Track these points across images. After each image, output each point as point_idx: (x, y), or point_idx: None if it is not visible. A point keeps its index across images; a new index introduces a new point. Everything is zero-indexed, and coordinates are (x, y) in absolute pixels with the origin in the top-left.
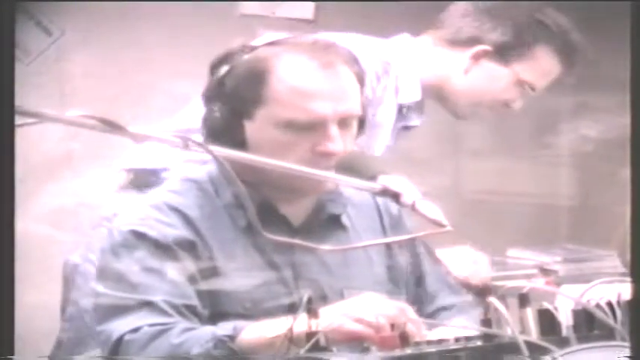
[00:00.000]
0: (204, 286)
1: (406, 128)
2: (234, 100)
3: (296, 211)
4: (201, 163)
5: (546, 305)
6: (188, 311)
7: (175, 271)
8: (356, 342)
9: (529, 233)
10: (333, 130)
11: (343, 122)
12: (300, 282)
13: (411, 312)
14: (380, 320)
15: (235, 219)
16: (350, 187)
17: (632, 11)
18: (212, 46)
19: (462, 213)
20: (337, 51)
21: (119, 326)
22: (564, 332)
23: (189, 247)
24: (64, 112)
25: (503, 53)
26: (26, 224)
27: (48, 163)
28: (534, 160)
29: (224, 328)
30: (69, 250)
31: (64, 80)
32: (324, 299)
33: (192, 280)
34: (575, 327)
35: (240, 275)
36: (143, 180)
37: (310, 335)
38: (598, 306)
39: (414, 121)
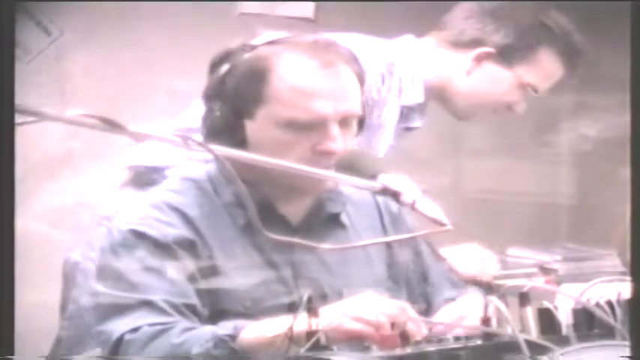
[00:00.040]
0: (204, 285)
1: (408, 129)
2: (234, 99)
3: (295, 210)
4: (205, 161)
5: (546, 304)
6: (188, 310)
7: (175, 270)
8: (356, 341)
9: (529, 232)
10: (334, 129)
11: (344, 121)
12: (300, 281)
13: (411, 311)
14: (380, 319)
15: (235, 218)
16: (350, 185)
17: (632, 11)
18: (212, 45)
19: (462, 212)
20: (338, 50)
21: (119, 326)
22: (564, 331)
23: (188, 246)
24: (64, 111)
25: (505, 55)
26: (26, 223)
27: (48, 162)
28: (534, 159)
29: (224, 328)
30: (69, 248)
31: (64, 79)
32: (324, 298)
33: (191, 279)
34: (575, 326)
35: (240, 274)
36: (146, 178)
37: (310, 334)
38: (598, 305)
39: (416, 122)
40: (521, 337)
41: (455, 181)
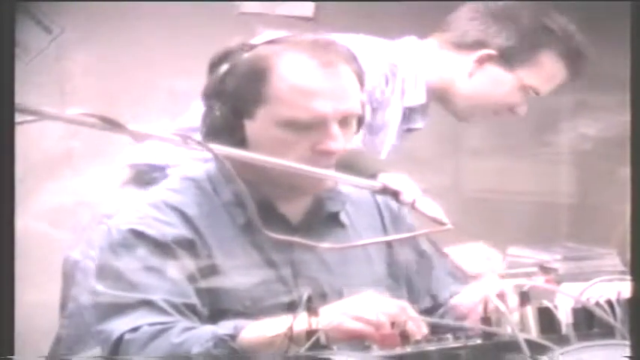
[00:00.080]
0: (204, 284)
1: (409, 130)
2: (234, 98)
3: (294, 210)
4: (205, 160)
5: (546, 303)
6: (188, 310)
7: (174, 269)
8: (356, 340)
9: (529, 231)
10: (334, 128)
11: (344, 121)
12: (300, 280)
13: (411, 310)
14: (380, 318)
15: (234, 217)
16: (350, 185)
17: (632, 11)
18: (212, 45)
19: (461, 211)
20: (337, 50)
21: (119, 325)
22: (564, 330)
23: (188, 245)
24: (64, 111)
25: (507, 58)
26: (26, 222)
27: (48, 161)
28: (534, 159)
29: (224, 327)
30: (69, 247)
31: (64, 79)
32: (324, 297)
33: (191, 278)
34: (575, 325)
35: (240, 273)
36: (147, 176)
37: (310, 334)
38: (598, 304)
39: (418, 123)
40: (521, 337)
41: (455, 181)
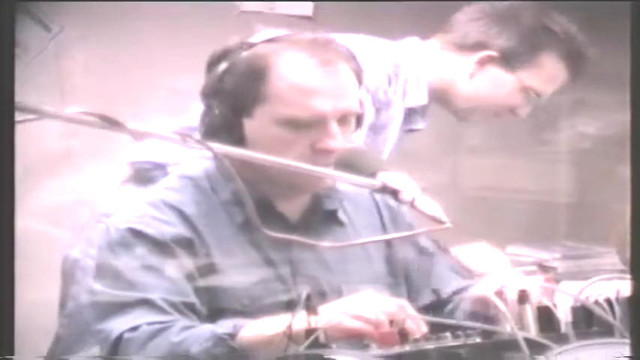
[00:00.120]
0: (202, 283)
1: (410, 131)
2: (233, 97)
3: (293, 208)
4: (209, 158)
5: (545, 302)
6: (186, 309)
7: (173, 268)
8: (355, 339)
9: (528, 230)
10: (334, 127)
11: (343, 119)
12: (298, 278)
13: (410, 309)
14: (379, 317)
15: (232, 216)
16: (349, 183)
17: (632, 11)
18: (212, 44)
19: (461, 209)
20: (336, 48)
21: (118, 325)
22: (563, 329)
23: (186, 244)
24: (64, 109)
25: (508, 59)
26: (26, 221)
27: (47, 160)
28: (533, 157)
29: (224, 326)
30: (68, 246)
31: (64, 77)
32: (323, 296)
33: (189, 277)
34: (574, 324)
35: (238, 272)
36: (147, 174)
37: (309, 332)
38: (597, 303)
39: (419, 124)
40: (520, 335)
41: (454, 179)
